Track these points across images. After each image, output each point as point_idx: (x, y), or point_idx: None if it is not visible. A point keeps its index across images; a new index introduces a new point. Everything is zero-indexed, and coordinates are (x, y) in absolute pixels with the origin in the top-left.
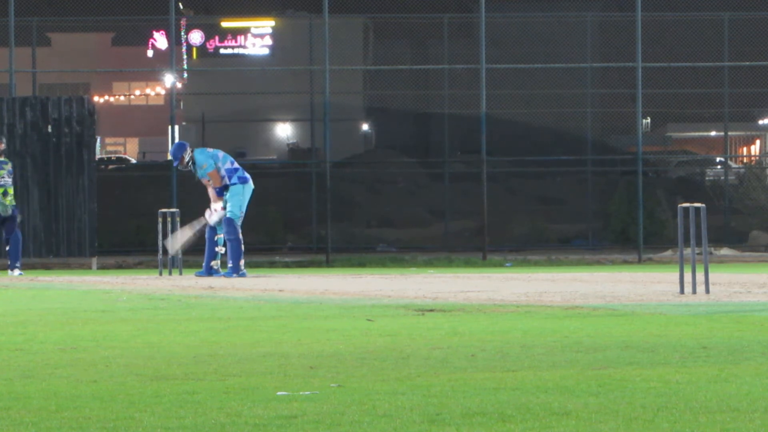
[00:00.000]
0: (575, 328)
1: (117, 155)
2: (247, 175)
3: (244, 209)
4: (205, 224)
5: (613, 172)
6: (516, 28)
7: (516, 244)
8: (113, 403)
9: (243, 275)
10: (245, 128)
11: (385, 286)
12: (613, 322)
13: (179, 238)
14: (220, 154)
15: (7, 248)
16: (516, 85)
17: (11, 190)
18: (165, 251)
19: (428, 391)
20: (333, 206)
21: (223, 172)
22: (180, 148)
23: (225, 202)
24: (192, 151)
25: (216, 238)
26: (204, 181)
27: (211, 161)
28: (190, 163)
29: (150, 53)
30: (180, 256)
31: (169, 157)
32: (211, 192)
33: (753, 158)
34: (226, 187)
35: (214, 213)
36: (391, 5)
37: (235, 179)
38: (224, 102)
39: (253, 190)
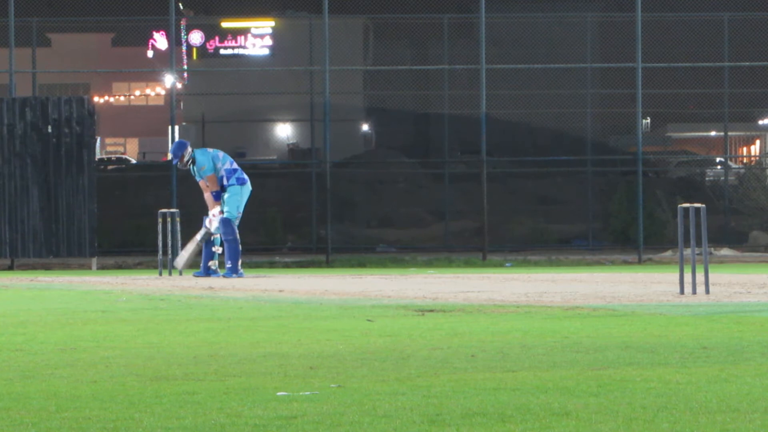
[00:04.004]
0: (575, 329)
1: (117, 155)
2: (246, 177)
3: (241, 210)
4: (206, 232)
5: (613, 172)
6: (516, 28)
7: (516, 244)
8: (113, 403)
9: (240, 275)
10: (245, 128)
11: (385, 287)
12: (613, 323)
13: (184, 255)
14: (220, 154)
15: None
16: (516, 85)
17: None
18: (164, 251)
19: (428, 391)
20: (333, 206)
21: (222, 173)
22: (180, 147)
23: (222, 204)
24: (192, 151)
25: (212, 238)
26: (201, 184)
27: (211, 163)
28: (189, 163)
29: (150, 54)
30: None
31: (169, 156)
32: (207, 197)
33: (753, 158)
34: (224, 188)
35: (213, 219)
36: (391, 5)
37: (233, 180)
38: (224, 102)
39: (251, 192)
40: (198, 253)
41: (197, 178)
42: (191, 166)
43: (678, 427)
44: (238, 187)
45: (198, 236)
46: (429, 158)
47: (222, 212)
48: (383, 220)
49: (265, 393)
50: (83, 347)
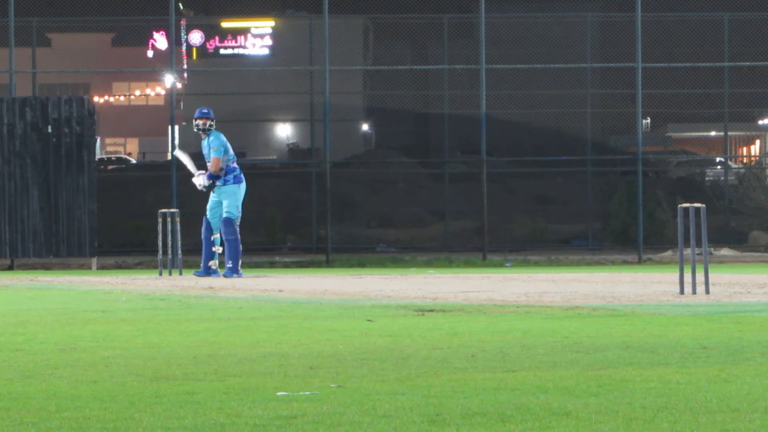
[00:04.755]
0: (575, 329)
1: (117, 155)
2: (243, 177)
3: (240, 209)
4: (193, 174)
5: (613, 172)
6: (516, 28)
7: (516, 244)
8: (113, 403)
9: (239, 276)
10: (245, 128)
11: (385, 287)
12: (613, 323)
13: (185, 157)
14: (231, 150)
15: None
16: (516, 85)
17: None
18: (165, 251)
19: (428, 391)
20: (333, 206)
21: (223, 164)
22: (209, 113)
23: (218, 197)
24: (215, 128)
25: (213, 238)
26: (208, 161)
27: (222, 149)
28: (203, 132)
29: (150, 54)
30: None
31: (194, 122)
32: (210, 166)
33: (753, 158)
34: (218, 178)
35: (198, 177)
36: (391, 5)
37: (230, 177)
38: (224, 102)
39: (246, 191)
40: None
41: (205, 152)
42: (204, 137)
43: (678, 427)
44: (236, 186)
45: (190, 164)
46: (429, 158)
47: (202, 184)
48: (383, 220)
49: (265, 393)
50: (83, 347)
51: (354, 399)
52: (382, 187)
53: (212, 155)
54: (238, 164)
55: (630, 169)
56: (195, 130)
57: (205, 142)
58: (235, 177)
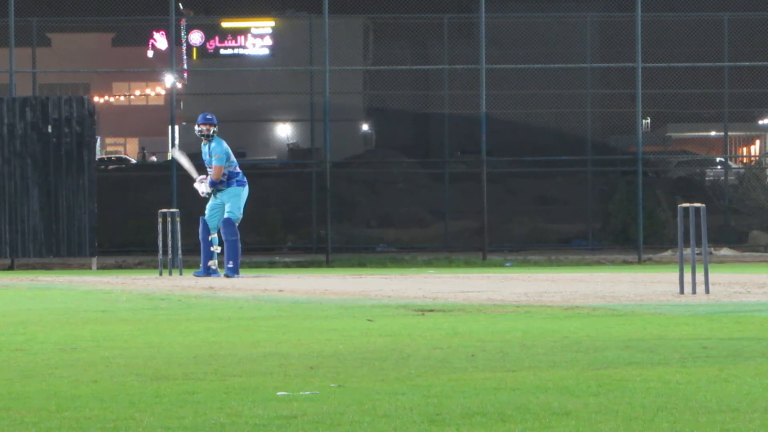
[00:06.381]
0: (575, 328)
1: (117, 155)
2: (246, 181)
3: (242, 211)
4: (194, 178)
5: (613, 172)
6: (516, 28)
7: (516, 244)
8: (113, 403)
9: (240, 276)
10: (245, 128)
11: (385, 286)
12: (613, 322)
13: (184, 159)
14: (232, 156)
15: None
16: (516, 85)
17: None
18: (165, 251)
19: (428, 391)
20: (333, 206)
21: (225, 171)
22: (212, 120)
23: (220, 199)
24: (216, 134)
25: (210, 238)
26: (208, 166)
27: (224, 157)
28: (205, 138)
29: (150, 53)
30: (175, 155)
31: (197, 127)
32: (211, 173)
33: (753, 158)
34: (221, 183)
35: (201, 183)
36: (391, 5)
37: (234, 182)
38: (224, 102)
39: (248, 194)
40: (182, 162)
41: (206, 159)
42: (206, 144)
43: (678, 427)
44: (240, 188)
45: (191, 170)
46: (429, 158)
47: (206, 191)
48: (383, 220)
49: (265, 393)
50: (83, 347)
51: (354, 399)
52: (382, 187)
53: (214, 163)
54: (240, 169)
55: (630, 169)
56: (197, 134)
57: (206, 148)
58: (238, 181)
